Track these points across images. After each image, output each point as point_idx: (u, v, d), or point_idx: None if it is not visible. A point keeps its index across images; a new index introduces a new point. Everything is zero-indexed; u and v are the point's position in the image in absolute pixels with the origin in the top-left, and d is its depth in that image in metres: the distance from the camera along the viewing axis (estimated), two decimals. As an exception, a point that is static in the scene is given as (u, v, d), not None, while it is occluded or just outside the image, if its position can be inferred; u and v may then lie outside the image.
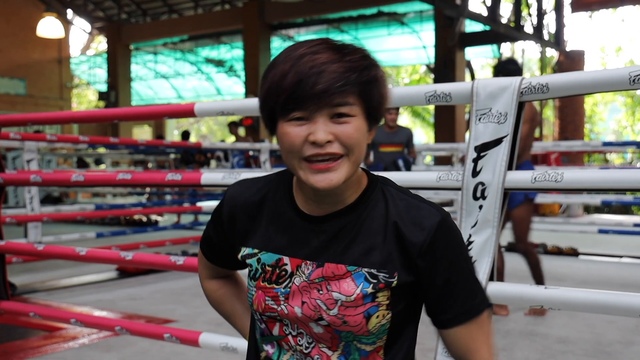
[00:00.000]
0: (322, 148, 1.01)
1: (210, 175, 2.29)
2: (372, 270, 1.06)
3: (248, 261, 1.15)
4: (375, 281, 1.05)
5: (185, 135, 12.64)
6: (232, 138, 10.78)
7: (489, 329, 1.11)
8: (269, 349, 1.14)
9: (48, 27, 14.86)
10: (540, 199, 7.28)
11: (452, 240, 1.08)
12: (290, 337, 1.11)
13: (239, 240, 1.17)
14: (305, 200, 1.11)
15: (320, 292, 1.06)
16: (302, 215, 1.11)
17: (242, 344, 2.17)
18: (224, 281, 1.32)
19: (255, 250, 1.14)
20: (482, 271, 1.67)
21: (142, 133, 23.28)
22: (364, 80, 1.02)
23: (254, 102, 2.27)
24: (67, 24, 17.84)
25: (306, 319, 1.07)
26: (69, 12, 18.30)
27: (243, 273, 1.25)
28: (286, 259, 1.10)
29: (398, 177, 1.87)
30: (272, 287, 1.10)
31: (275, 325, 1.12)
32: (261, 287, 1.11)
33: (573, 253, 6.62)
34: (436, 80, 12.93)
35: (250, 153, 9.21)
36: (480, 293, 1.10)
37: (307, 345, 1.09)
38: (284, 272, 1.10)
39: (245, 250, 1.15)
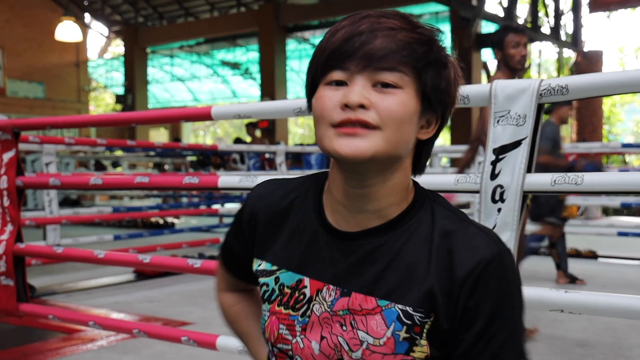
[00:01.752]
0: (354, 113, 0.83)
1: (228, 179, 2.29)
2: (407, 309, 0.86)
3: (263, 280, 0.98)
4: (409, 322, 0.86)
5: (176, 142, 12.76)
6: (248, 138, 10.81)
7: None
8: None
9: (66, 31, 15.01)
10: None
11: (506, 280, 0.87)
12: None
13: (257, 249, 1.01)
14: (335, 209, 0.93)
15: (344, 328, 0.89)
16: (330, 229, 0.93)
17: (259, 347, 2.16)
18: (242, 296, 1.16)
19: (274, 267, 0.97)
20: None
21: (159, 135, 23.44)
22: (426, 55, 0.86)
23: (270, 105, 2.28)
24: (84, 27, 18.01)
25: (323, 358, 0.89)
26: (87, 16, 18.48)
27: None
28: (307, 281, 0.93)
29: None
30: (289, 313, 0.93)
31: None
32: (276, 312, 0.95)
33: (592, 256, 6.55)
34: (452, 82, 12.86)
35: (266, 156, 9.23)
36: (521, 352, 0.87)
37: None
38: (302, 297, 0.93)
39: (261, 264, 0.99)
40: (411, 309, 0.86)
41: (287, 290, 0.95)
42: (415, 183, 0.96)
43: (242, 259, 1.06)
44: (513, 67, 3.38)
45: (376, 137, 0.84)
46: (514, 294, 0.87)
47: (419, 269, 0.87)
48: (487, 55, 14.66)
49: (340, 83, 0.86)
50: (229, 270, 1.12)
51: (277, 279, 0.97)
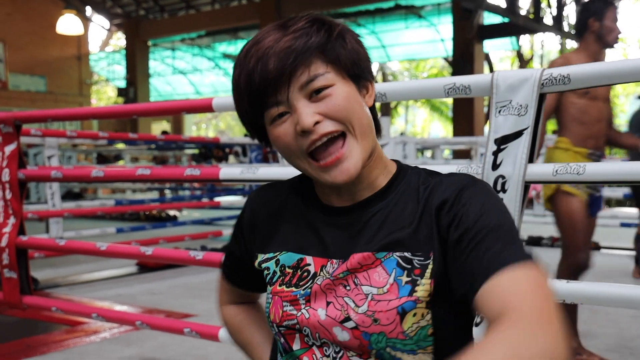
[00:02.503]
0: (314, 133, 0.88)
1: (229, 170, 2.29)
2: (406, 254, 0.89)
3: (264, 265, 1.01)
4: (409, 267, 0.89)
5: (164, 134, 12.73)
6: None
7: (542, 283, 0.77)
8: None
9: (67, 24, 14.99)
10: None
11: (486, 191, 0.90)
12: (315, 348, 0.94)
13: (257, 247, 1.04)
14: (329, 194, 0.98)
15: (348, 287, 0.91)
16: (326, 210, 0.98)
17: (261, 338, 2.17)
18: (244, 307, 1.18)
19: (275, 254, 1.00)
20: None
21: (161, 129, 23.44)
22: (318, 43, 0.89)
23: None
24: (86, 20, 17.98)
25: (330, 323, 0.90)
26: (88, 9, 18.44)
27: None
28: (309, 259, 0.96)
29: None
30: (291, 290, 0.95)
31: (296, 338, 0.95)
32: (278, 292, 0.97)
33: (595, 247, 6.54)
34: (454, 74, 12.84)
35: (268, 148, 9.22)
36: (520, 247, 0.84)
37: (334, 355, 0.92)
38: (306, 274, 0.95)
39: (263, 257, 1.02)
40: (409, 253, 0.89)
41: (288, 270, 0.97)
42: (396, 160, 1.02)
43: (244, 264, 1.08)
44: (607, 43, 3.05)
45: (352, 145, 0.90)
46: (496, 200, 0.89)
47: (409, 217, 0.91)
48: (490, 46, 14.62)
49: (282, 114, 0.90)
50: (231, 281, 1.15)
51: (277, 262, 1.00)
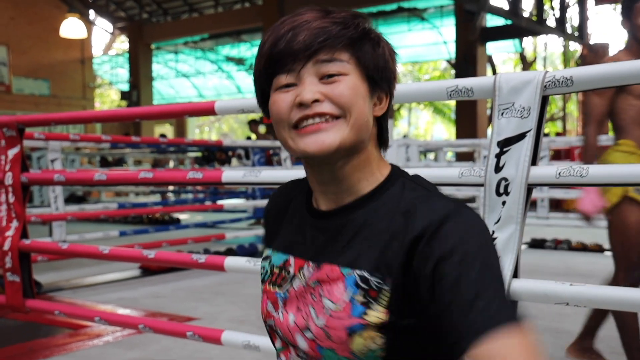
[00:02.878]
0: (310, 109, 0.88)
1: (232, 174, 2.29)
2: (364, 273, 0.87)
3: (261, 264, 1.05)
4: (366, 287, 0.86)
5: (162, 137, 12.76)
6: (253, 135, 10.81)
7: (534, 353, 0.77)
8: None
9: (71, 27, 15.03)
10: (565, 194, 7.18)
11: (467, 222, 0.83)
12: (291, 348, 0.95)
13: (267, 241, 1.09)
14: (317, 194, 0.98)
15: (314, 297, 0.92)
16: (311, 211, 0.99)
17: (264, 341, 2.16)
18: None
19: (272, 253, 1.04)
20: (506, 268, 1.65)
21: (164, 132, 23.46)
22: (352, 35, 0.90)
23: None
24: (89, 24, 18.03)
25: (294, 329, 0.93)
26: (91, 13, 18.50)
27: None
28: (292, 260, 0.98)
29: (419, 172, 1.84)
30: (275, 290, 0.99)
31: (276, 338, 0.99)
32: (267, 290, 1.01)
33: (598, 249, 6.53)
34: (457, 76, 12.84)
35: (271, 151, 9.23)
36: (506, 301, 0.79)
37: (304, 357, 0.93)
38: (286, 274, 0.98)
39: (265, 253, 1.07)
40: (368, 273, 0.87)
41: (276, 270, 1.01)
42: (393, 166, 0.99)
43: None
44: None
45: (340, 126, 0.89)
46: (482, 237, 0.83)
47: (379, 237, 0.88)
48: (492, 48, 14.61)
49: (289, 85, 0.91)
50: None
51: (270, 261, 1.04)
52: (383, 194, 0.93)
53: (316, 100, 0.88)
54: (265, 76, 0.93)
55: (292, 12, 0.94)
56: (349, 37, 0.90)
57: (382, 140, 1.00)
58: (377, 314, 0.85)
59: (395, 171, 0.98)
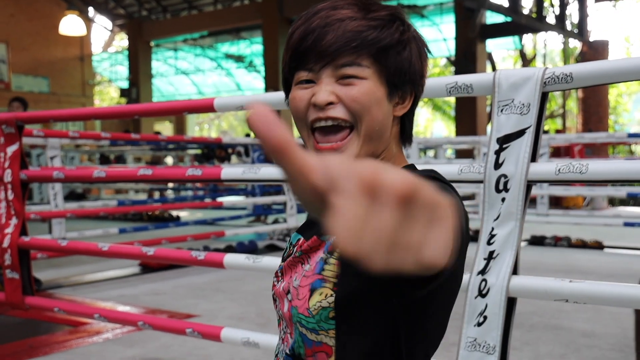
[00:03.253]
0: (323, 111, 0.89)
1: (231, 171, 2.29)
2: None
3: (285, 245, 1.08)
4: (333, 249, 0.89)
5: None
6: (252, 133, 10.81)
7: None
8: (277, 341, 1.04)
9: (70, 25, 15.03)
10: (564, 191, 7.19)
11: (429, 172, 0.88)
12: (282, 321, 0.98)
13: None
14: None
15: (301, 265, 0.95)
16: None
17: (263, 338, 2.16)
18: None
19: (294, 235, 1.06)
20: (506, 264, 1.65)
21: (163, 129, 23.45)
22: (384, 44, 0.88)
23: (273, 96, 2.26)
24: (88, 21, 18.01)
25: (282, 294, 0.96)
26: (91, 10, 18.47)
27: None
28: (301, 240, 1.00)
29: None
30: (280, 264, 1.03)
31: (277, 308, 1.01)
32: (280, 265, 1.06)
33: (598, 246, 6.53)
34: (457, 73, 12.82)
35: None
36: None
37: (285, 330, 0.96)
38: (293, 250, 1.00)
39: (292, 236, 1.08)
40: None
41: (290, 248, 1.02)
42: (411, 165, 0.99)
43: None
44: None
45: (353, 141, 0.89)
46: (442, 182, 0.86)
47: None
48: (492, 46, 14.60)
49: (308, 81, 0.91)
50: None
51: (289, 242, 1.04)
52: None
53: (330, 103, 0.88)
54: (288, 68, 0.94)
55: (331, 0, 0.91)
56: (380, 45, 0.88)
57: (405, 137, 0.99)
58: (331, 267, 0.88)
59: (409, 167, 0.98)
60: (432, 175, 0.91)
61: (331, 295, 0.86)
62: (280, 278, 1.00)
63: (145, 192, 12.29)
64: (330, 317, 0.87)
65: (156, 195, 11.41)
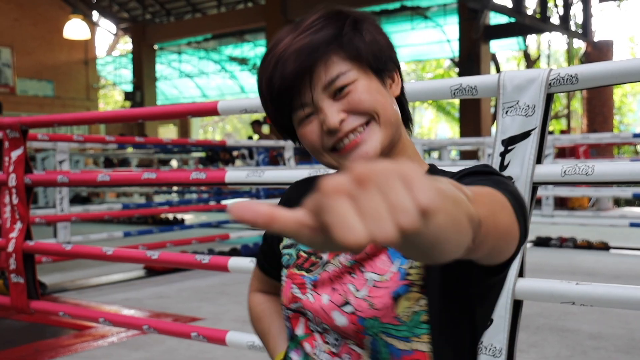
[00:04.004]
0: (340, 131, 0.89)
1: (235, 174, 2.28)
2: None
3: (286, 252, 1.02)
4: None
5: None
6: (256, 136, 10.80)
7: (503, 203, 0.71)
8: (294, 357, 0.98)
9: (74, 29, 15.05)
10: (570, 192, 7.16)
11: (483, 167, 0.85)
12: (317, 334, 0.94)
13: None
14: None
15: (353, 275, 0.91)
16: None
17: (268, 342, 2.16)
18: (271, 297, 1.17)
19: (295, 240, 1.03)
20: (512, 267, 1.64)
21: (168, 132, 23.49)
22: (332, 35, 0.88)
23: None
24: (92, 25, 18.05)
25: (330, 307, 0.91)
26: (95, 14, 18.52)
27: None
28: None
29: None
30: (302, 274, 0.97)
31: (300, 322, 0.97)
32: (292, 275, 0.98)
33: (604, 247, 6.50)
34: (461, 74, 12.81)
35: (275, 152, 9.22)
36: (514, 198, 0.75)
37: (335, 343, 0.92)
38: (318, 260, 0.96)
39: (287, 241, 1.03)
40: None
41: (303, 255, 0.98)
42: (432, 165, 1.01)
43: (275, 252, 1.08)
44: None
45: (374, 129, 0.90)
46: (494, 171, 0.84)
47: None
48: (496, 46, 14.57)
49: (309, 115, 0.91)
50: (262, 269, 1.15)
51: (296, 247, 1.01)
52: None
53: (342, 121, 0.89)
54: (281, 116, 0.94)
55: (271, 42, 0.92)
56: (330, 39, 0.88)
57: (406, 118, 1.00)
58: (416, 270, 0.87)
59: (435, 168, 1.00)
60: (489, 171, 0.89)
61: (422, 299, 0.85)
62: (309, 291, 0.95)
63: (150, 195, 12.30)
64: (422, 321, 0.86)
65: (156, 198, 11.39)
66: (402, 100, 0.98)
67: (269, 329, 1.14)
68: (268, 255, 1.12)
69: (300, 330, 0.96)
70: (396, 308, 0.86)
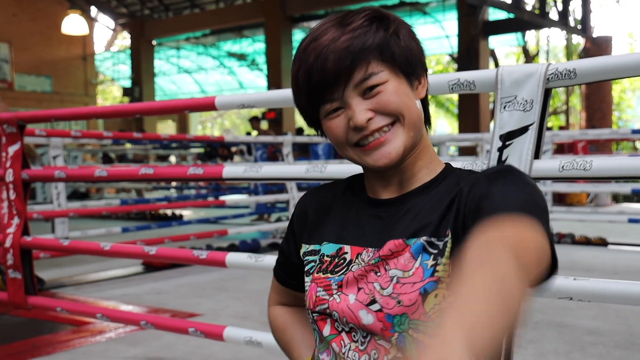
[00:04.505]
0: (366, 129, 0.93)
1: (232, 169, 2.28)
2: (432, 239, 0.92)
3: (308, 258, 1.05)
4: (435, 252, 0.91)
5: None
6: (254, 132, 10.79)
7: (519, 243, 0.72)
8: (324, 358, 1.00)
9: (72, 24, 15.03)
10: (568, 188, 7.16)
11: (516, 176, 0.87)
12: (344, 334, 0.97)
13: (305, 239, 1.08)
14: (376, 187, 1.02)
15: (378, 273, 0.94)
16: (371, 202, 1.01)
17: (266, 337, 2.16)
18: (291, 309, 1.20)
19: (319, 246, 1.04)
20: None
21: (166, 128, 23.47)
22: (375, 44, 0.92)
23: (275, 94, 2.25)
24: (91, 21, 18.02)
25: (357, 307, 0.94)
26: (93, 9, 18.48)
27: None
28: (347, 248, 1.00)
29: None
30: (327, 276, 0.99)
31: (326, 324, 0.99)
32: (316, 279, 1.01)
33: (602, 243, 6.51)
34: (459, 70, 12.79)
35: (274, 149, 9.21)
36: (534, 209, 0.81)
37: (362, 340, 0.95)
38: (342, 261, 0.99)
39: (307, 248, 1.06)
40: (435, 238, 0.92)
41: (326, 259, 1.01)
42: (447, 163, 1.04)
43: (293, 263, 1.11)
44: None
45: (398, 131, 0.94)
46: (530, 188, 0.85)
47: (441, 205, 0.94)
48: (495, 42, 14.56)
49: (337, 109, 0.95)
50: (280, 281, 1.18)
51: (320, 252, 1.03)
52: (444, 181, 0.98)
53: (369, 119, 0.92)
54: (310, 107, 0.97)
55: (311, 33, 0.96)
56: (373, 47, 0.92)
57: (427, 118, 1.04)
58: (444, 268, 0.90)
59: (451, 166, 1.04)
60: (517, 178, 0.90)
61: (450, 296, 0.85)
62: (335, 292, 0.97)
63: (148, 191, 12.29)
64: None
65: (153, 194, 11.39)
66: (425, 102, 1.02)
67: (292, 338, 1.16)
68: (285, 266, 1.15)
69: (327, 331, 0.99)
70: (425, 305, 0.89)
